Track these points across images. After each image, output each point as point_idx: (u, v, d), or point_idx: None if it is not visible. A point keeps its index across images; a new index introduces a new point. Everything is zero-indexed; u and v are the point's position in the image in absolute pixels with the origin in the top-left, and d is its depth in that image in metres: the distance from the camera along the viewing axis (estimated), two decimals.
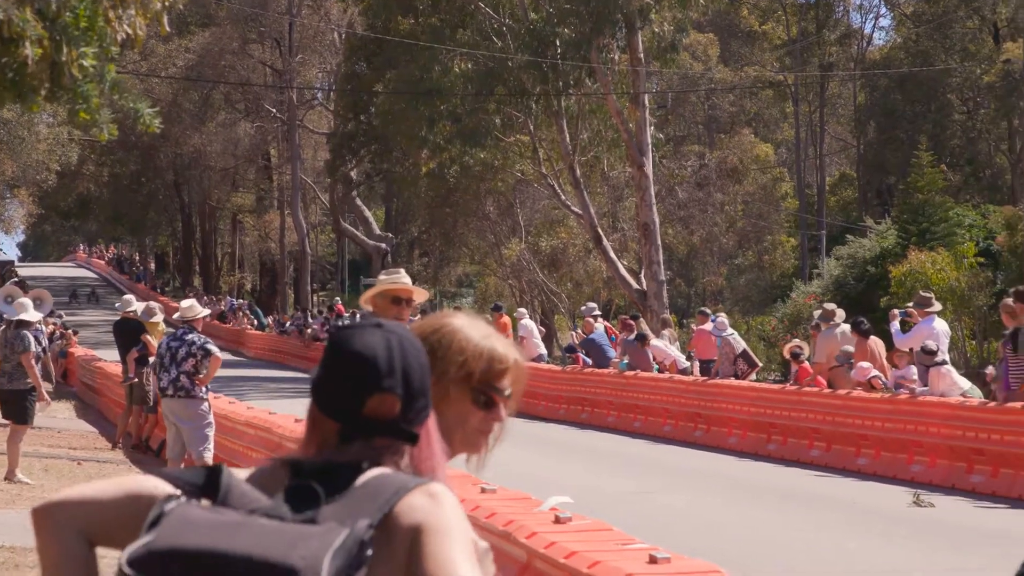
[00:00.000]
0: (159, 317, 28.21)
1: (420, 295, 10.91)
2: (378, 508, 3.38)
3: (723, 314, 35.88)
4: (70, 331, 50.15)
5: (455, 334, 4.20)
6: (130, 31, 23.44)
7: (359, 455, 3.51)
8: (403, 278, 10.71)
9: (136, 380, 28.29)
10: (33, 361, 22.56)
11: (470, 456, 4.20)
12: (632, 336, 34.99)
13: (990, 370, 27.83)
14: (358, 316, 37.62)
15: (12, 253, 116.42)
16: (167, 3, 23.35)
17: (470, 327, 4.22)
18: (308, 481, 3.46)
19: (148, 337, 27.44)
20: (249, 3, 78.54)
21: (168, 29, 29.01)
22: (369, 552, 3.24)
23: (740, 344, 32.83)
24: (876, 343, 27.90)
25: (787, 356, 29.86)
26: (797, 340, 31.91)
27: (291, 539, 3.19)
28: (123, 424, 29.14)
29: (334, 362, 3.57)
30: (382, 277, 10.92)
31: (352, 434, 3.53)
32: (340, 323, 3.82)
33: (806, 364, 28.73)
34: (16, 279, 56.00)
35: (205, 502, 3.42)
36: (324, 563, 3.14)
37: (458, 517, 3.47)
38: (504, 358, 4.18)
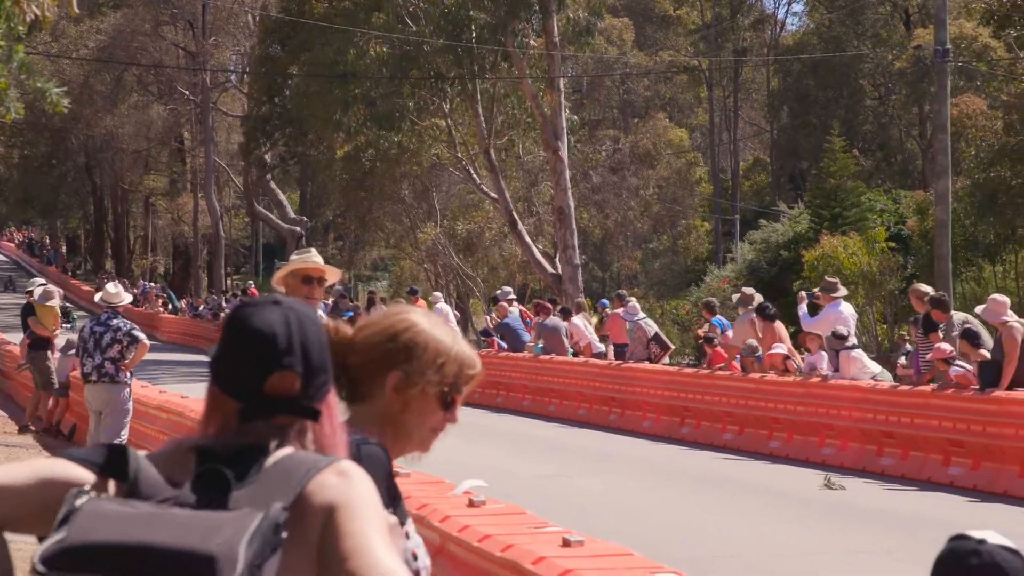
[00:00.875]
0: (55, 302, 27.90)
1: (332, 274, 10.62)
2: (291, 489, 3.36)
3: (633, 299, 35.92)
4: None
5: (428, 335, 4.35)
6: (39, 12, 23.36)
7: (262, 435, 3.47)
8: (314, 257, 10.53)
9: (28, 365, 28.16)
10: None
11: (415, 453, 4.28)
12: (555, 312, 35.19)
13: (902, 361, 28.07)
14: None
15: None
16: None
17: (437, 328, 4.38)
18: (217, 466, 3.42)
19: (34, 320, 27.31)
20: None
21: (78, 10, 28.84)
22: (284, 534, 3.21)
23: (652, 328, 32.92)
24: (781, 328, 28.11)
25: (700, 340, 30.01)
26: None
27: (206, 528, 3.15)
28: (31, 408, 28.82)
29: (233, 340, 3.54)
30: (293, 257, 10.73)
31: (253, 412, 3.49)
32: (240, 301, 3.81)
33: (719, 348, 28.89)
34: None
35: (115, 494, 3.38)
36: (240, 549, 3.11)
37: (370, 494, 3.46)
38: (474, 364, 4.39)
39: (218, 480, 3.37)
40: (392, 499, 4.25)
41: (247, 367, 3.49)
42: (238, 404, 3.50)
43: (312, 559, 3.37)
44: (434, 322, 4.40)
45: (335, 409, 3.65)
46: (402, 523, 4.27)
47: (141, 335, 20.58)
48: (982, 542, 4.33)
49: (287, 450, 3.48)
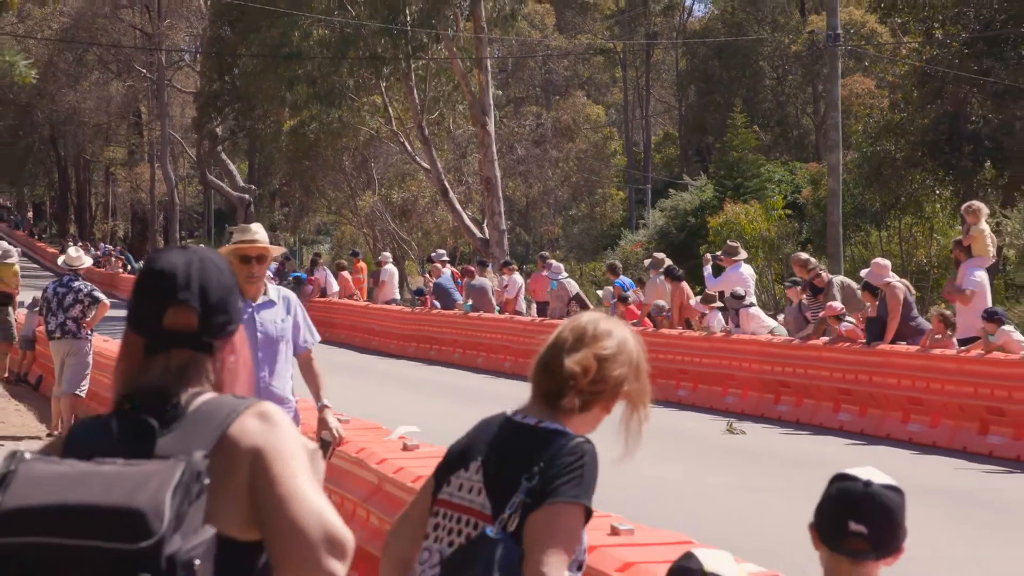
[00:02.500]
0: (13, 259, 27.76)
1: (276, 251, 9.95)
2: (211, 433, 3.36)
3: (556, 261, 36.25)
4: None
5: (646, 374, 4.91)
6: None
7: (162, 373, 3.45)
8: (252, 235, 9.56)
9: None
10: None
11: None
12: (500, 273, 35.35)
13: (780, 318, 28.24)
14: None
15: None
16: None
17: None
18: (143, 416, 3.40)
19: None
20: None
21: None
22: (206, 481, 3.19)
23: (574, 287, 33.06)
24: (686, 288, 28.31)
25: (617, 298, 30.08)
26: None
27: (133, 483, 3.11)
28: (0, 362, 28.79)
29: (140, 280, 3.56)
30: (235, 236, 9.72)
31: (155, 346, 3.47)
32: None
33: (632, 307, 28.97)
34: None
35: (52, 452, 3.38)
36: (166, 502, 3.08)
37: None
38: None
39: (144, 429, 3.37)
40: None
41: (148, 302, 3.49)
42: (143, 340, 3.49)
43: (242, 499, 3.38)
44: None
45: (241, 350, 3.63)
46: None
47: (101, 296, 20.61)
48: (869, 483, 4.39)
49: (208, 395, 3.46)
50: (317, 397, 9.83)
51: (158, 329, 3.47)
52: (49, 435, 20.62)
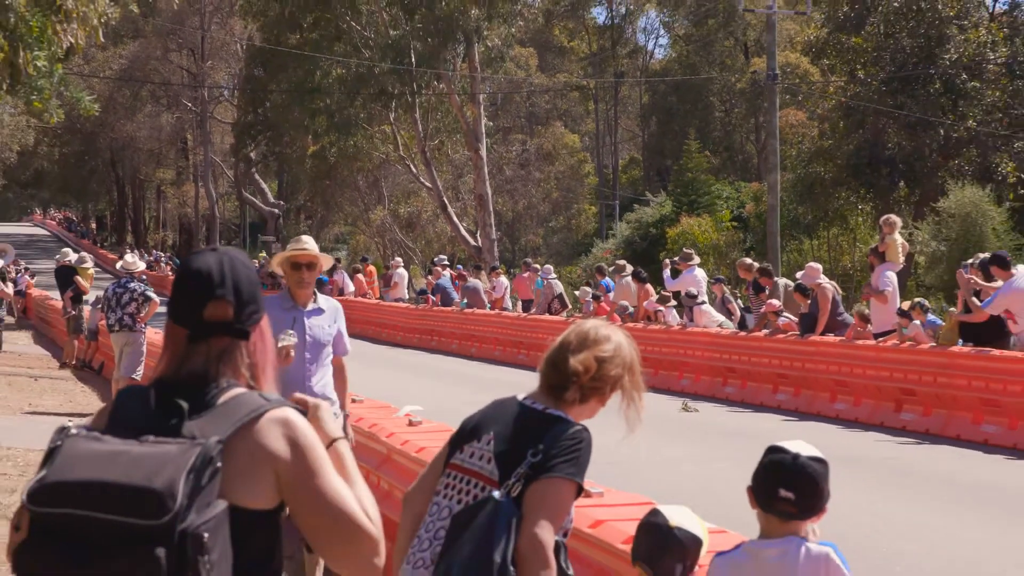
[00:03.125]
0: (89, 264, 28.74)
1: (326, 261, 9.36)
2: (233, 425, 3.33)
3: (539, 266, 36.53)
4: (29, 275, 49.45)
5: (640, 372, 4.87)
6: (73, 40, 23.04)
7: (205, 358, 3.45)
8: (303, 244, 9.16)
9: (74, 314, 28.25)
10: None
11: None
12: (485, 276, 35.35)
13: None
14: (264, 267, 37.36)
15: None
16: (102, 20, 23.06)
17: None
18: (173, 398, 3.40)
19: (79, 278, 27.58)
20: (170, 20, 77.34)
21: (103, 39, 28.29)
22: (219, 464, 3.20)
23: (558, 287, 33.21)
24: (650, 288, 28.36)
25: (591, 297, 30.09)
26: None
27: (154, 465, 3.12)
28: (69, 349, 28.99)
29: (180, 279, 3.55)
30: (289, 246, 9.25)
31: (196, 335, 3.47)
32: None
33: (603, 304, 29.01)
34: None
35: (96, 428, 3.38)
36: (179, 483, 3.09)
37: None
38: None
39: (174, 410, 3.36)
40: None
41: (189, 298, 3.48)
42: (185, 331, 3.48)
43: (259, 482, 3.36)
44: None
45: (267, 334, 3.63)
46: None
47: (153, 295, 20.83)
48: (798, 456, 4.44)
49: (239, 390, 3.44)
50: (342, 405, 9.40)
51: (199, 321, 3.46)
52: None
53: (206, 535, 3.11)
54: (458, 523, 4.54)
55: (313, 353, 9.00)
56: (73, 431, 3.27)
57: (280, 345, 7.36)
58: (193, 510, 3.11)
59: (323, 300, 9.25)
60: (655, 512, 5.04)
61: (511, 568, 4.40)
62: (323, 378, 9.11)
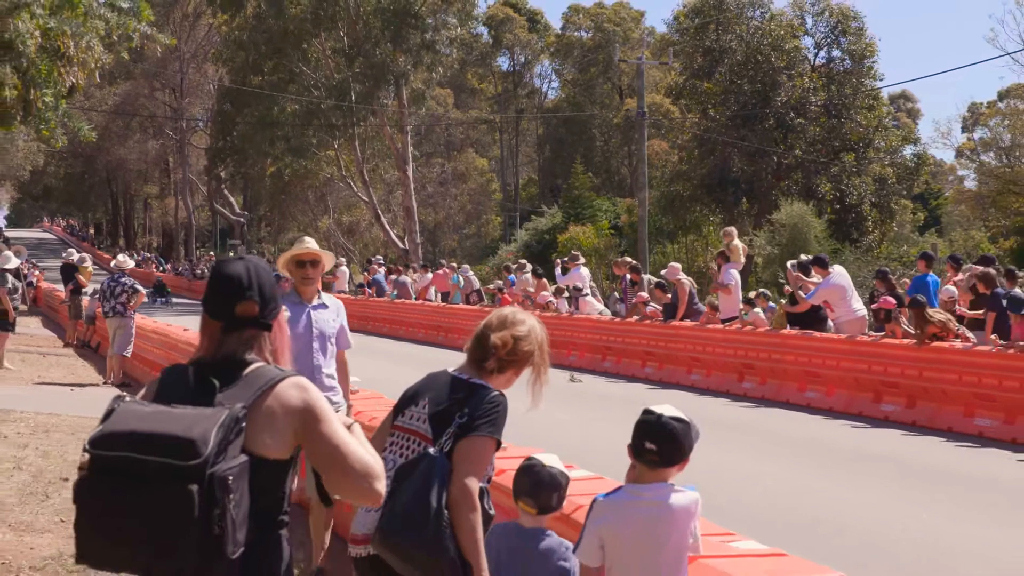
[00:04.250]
0: (88, 263, 28.83)
1: (328, 258, 8.31)
2: (253, 394, 3.43)
3: (466, 265, 36.75)
4: (39, 271, 49.19)
5: (547, 351, 4.93)
6: (74, 80, 22.97)
7: (236, 344, 3.56)
8: (306, 244, 8.29)
9: (71, 302, 28.39)
10: (5, 293, 22.09)
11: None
12: (404, 274, 35.18)
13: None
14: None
15: (0, 223, 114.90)
16: (98, 64, 23.00)
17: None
18: (208, 376, 3.51)
19: (79, 275, 27.55)
20: (155, 65, 77.29)
21: (99, 80, 28.06)
22: (244, 424, 3.28)
23: (476, 283, 33.17)
24: (545, 283, 28.44)
25: (498, 289, 30.13)
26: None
27: (191, 421, 3.21)
28: (70, 332, 29.08)
29: (214, 283, 3.64)
30: (295, 246, 8.31)
31: (230, 328, 3.58)
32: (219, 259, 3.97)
33: (506, 295, 29.04)
34: (2, 238, 54.28)
35: (145, 398, 3.51)
36: (211, 435, 3.17)
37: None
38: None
39: (209, 386, 3.47)
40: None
41: (223, 298, 3.59)
42: (220, 324, 3.59)
43: (277, 436, 3.45)
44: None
45: (284, 325, 3.73)
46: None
47: (140, 288, 21.09)
48: (661, 416, 4.48)
49: (259, 365, 3.55)
50: (345, 395, 8.64)
51: (232, 316, 3.58)
52: (104, 383, 20.54)
53: (231, 478, 3.19)
54: (401, 475, 4.54)
55: (320, 344, 8.27)
56: (127, 398, 3.39)
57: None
58: (221, 458, 3.19)
59: (327, 297, 8.41)
60: (530, 459, 5.13)
61: (445, 511, 4.42)
62: (330, 368, 8.40)
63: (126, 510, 3.15)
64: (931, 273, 19.19)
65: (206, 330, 3.62)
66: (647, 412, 4.54)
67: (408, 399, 4.82)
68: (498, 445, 4.60)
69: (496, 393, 4.65)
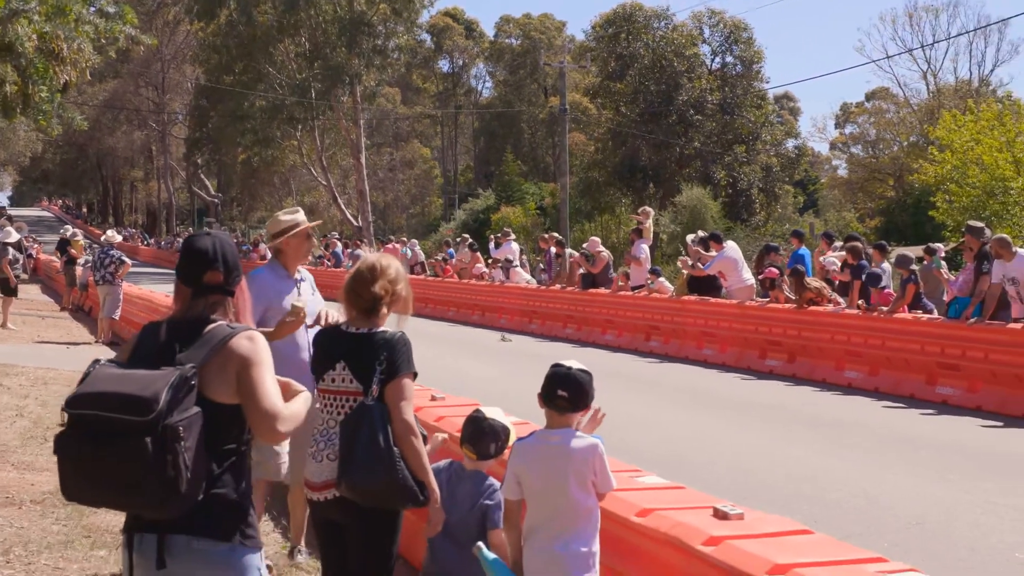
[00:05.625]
0: (80, 237, 28.73)
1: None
2: (208, 352, 3.49)
3: (414, 240, 36.65)
4: (38, 244, 48.54)
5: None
6: (68, 78, 22.68)
7: (203, 307, 3.62)
8: (302, 215, 6.87)
9: (66, 272, 28.13)
10: (7, 263, 21.87)
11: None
12: (359, 248, 34.96)
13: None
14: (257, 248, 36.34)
15: (4, 202, 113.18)
16: (88, 64, 22.72)
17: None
18: (176, 334, 3.56)
19: (71, 248, 27.31)
20: (139, 65, 76.16)
21: (90, 77, 27.60)
22: (194, 383, 3.36)
23: (421, 256, 32.96)
24: (479, 256, 28.40)
25: (441, 259, 30.04)
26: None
27: (147, 381, 3.31)
28: (66, 297, 28.78)
29: (185, 254, 3.69)
30: (284, 218, 6.71)
31: (198, 293, 3.63)
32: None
33: (448, 267, 28.98)
34: (5, 216, 53.34)
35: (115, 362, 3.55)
36: (163, 393, 3.26)
37: (266, 351, 3.58)
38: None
39: (169, 349, 3.53)
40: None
41: (193, 268, 3.66)
42: (190, 290, 3.66)
43: (230, 383, 3.51)
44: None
45: (246, 291, 3.78)
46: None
47: (127, 259, 21.09)
48: (569, 368, 4.52)
49: (216, 324, 3.59)
50: None
51: (200, 284, 3.64)
52: (96, 342, 20.37)
53: (181, 428, 3.28)
54: (347, 427, 4.55)
55: (310, 318, 6.76)
56: (102, 362, 3.48)
57: (294, 306, 6.37)
58: (172, 413, 3.28)
59: (303, 271, 6.95)
60: (477, 410, 5.11)
61: (394, 447, 4.46)
62: None
63: (96, 459, 3.27)
64: (803, 247, 19.43)
65: (179, 294, 3.68)
66: (557, 365, 4.58)
67: (320, 365, 4.76)
68: (415, 375, 4.62)
69: (399, 334, 4.64)
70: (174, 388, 3.30)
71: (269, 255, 7.32)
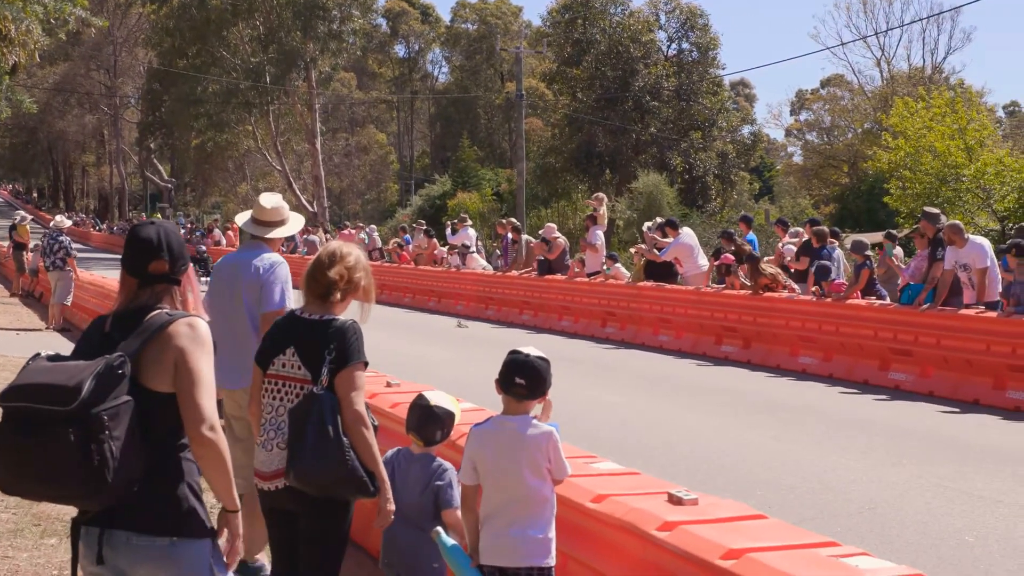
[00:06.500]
0: (26, 222, 28.05)
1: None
2: (144, 340, 3.47)
3: (372, 225, 36.49)
4: None
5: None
6: (17, 59, 22.30)
7: (149, 296, 3.58)
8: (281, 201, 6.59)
9: (15, 257, 27.74)
10: None
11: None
12: (315, 233, 34.75)
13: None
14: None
15: None
16: (37, 46, 22.39)
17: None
18: (120, 325, 3.54)
19: (15, 233, 27.00)
20: (91, 48, 75.35)
21: (39, 60, 27.28)
22: (120, 372, 3.33)
23: (378, 241, 32.82)
24: (436, 242, 28.35)
25: (397, 245, 29.93)
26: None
27: (74, 372, 3.30)
28: (15, 283, 28.40)
29: (130, 244, 3.66)
30: (266, 204, 6.42)
31: (144, 283, 3.60)
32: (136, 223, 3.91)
33: (405, 253, 28.88)
34: None
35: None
36: (86, 384, 3.24)
37: (206, 339, 3.53)
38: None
39: (109, 340, 3.51)
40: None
41: (138, 258, 3.62)
42: (135, 280, 3.62)
43: (168, 371, 3.46)
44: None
45: (193, 279, 3.73)
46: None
47: (73, 252, 20.75)
48: (529, 355, 4.50)
49: (157, 312, 3.56)
50: None
51: (146, 273, 3.60)
52: (48, 328, 20.20)
53: (106, 418, 3.24)
54: (296, 415, 4.51)
55: None
56: (42, 354, 3.47)
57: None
58: (98, 402, 3.24)
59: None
60: (420, 396, 5.10)
61: (343, 437, 4.41)
62: None
63: (25, 450, 3.25)
64: (751, 232, 19.59)
65: (124, 285, 3.65)
66: (514, 352, 4.56)
67: (269, 351, 4.74)
68: (366, 364, 4.58)
69: (350, 322, 4.61)
70: (98, 377, 3.27)
71: (224, 241, 7.24)
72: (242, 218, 6.58)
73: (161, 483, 3.42)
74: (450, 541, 4.61)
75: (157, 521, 3.40)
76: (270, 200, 6.54)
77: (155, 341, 3.45)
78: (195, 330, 3.50)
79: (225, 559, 3.55)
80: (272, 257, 6.31)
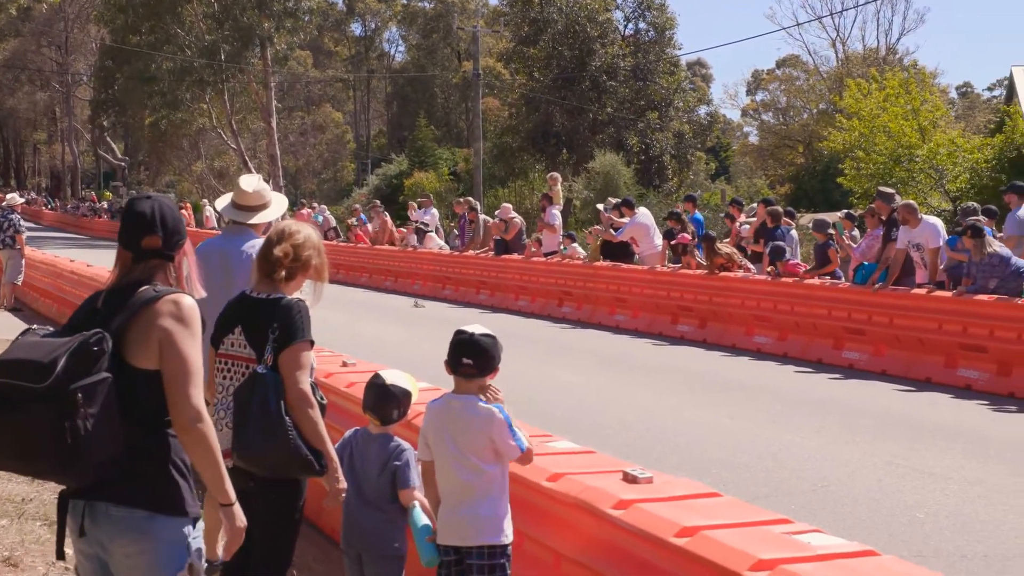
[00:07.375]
0: None
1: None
2: (128, 316, 3.45)
3: (323, 205, 36.26)
4: None
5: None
6: None
7: (142, 272, 3.56)
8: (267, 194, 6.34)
9: None
10: None
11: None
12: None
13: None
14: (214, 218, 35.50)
15: None
16: None
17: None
18: (112, 300, 3.52)
19: None
20: (42, 24, 74.44)
21: None
22: (96, 348, 3.30)
23: (332, 221, 32.64)
24: (390, 222, 28.27)
25: (354, 224, 29.80)
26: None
27: (51, 348, 3.28)
28: None
29: (125, 219, 3.64)
30: (247, 188, 6.24)
31: (138, 258, 3.58)
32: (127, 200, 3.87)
33: (361, 233, 28.77)
34: None
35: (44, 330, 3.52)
36: (61, 361, 3.22)
37: (193, 317, 3.50)
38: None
39: (96, 316, 3.50)
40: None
41: (132, 232, 3.60)
42: (130, 254, 3.60)
43: (153, 348, 3.44)
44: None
45: (190, 255, 3.70)
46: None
47: (23, 229, 20.42)
48: (473, 334, 4.51)
49: (146, 287, 3.53)
50: None
51: (140, 248, 3.58)
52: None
53: (80, 395, 3.21)
54: (240, 396, 4.53)
55: None
56: (32, 330, 3.45)
57: None
58: (74, 379, 3.22)
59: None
60: (376, 375, 5.08)
61: (286, 417, 4.41)
62: None
63: (1, 426, 3.24)
64: (696, 212, 19.68)
65: (119, 259, 3.63)
66: (460, 332, 4.55)
67: (221, 330, 4.76)
68: (311, 343, 4.56)
69: (295, 300, 4.58)
70: (72, 354, 3.24)
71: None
72: (222, 202, 6.37)
73: (145, 458, 3.40)
74: (422, 521, 4.62)
75: (136, 494, 3.38)
76: (250, 183, 6.25)
77: (140, 318, 3.42)
78: (180, 307, 3.46)
79: (222, 554, 3.55)
80: (260, 242, 6.11)
